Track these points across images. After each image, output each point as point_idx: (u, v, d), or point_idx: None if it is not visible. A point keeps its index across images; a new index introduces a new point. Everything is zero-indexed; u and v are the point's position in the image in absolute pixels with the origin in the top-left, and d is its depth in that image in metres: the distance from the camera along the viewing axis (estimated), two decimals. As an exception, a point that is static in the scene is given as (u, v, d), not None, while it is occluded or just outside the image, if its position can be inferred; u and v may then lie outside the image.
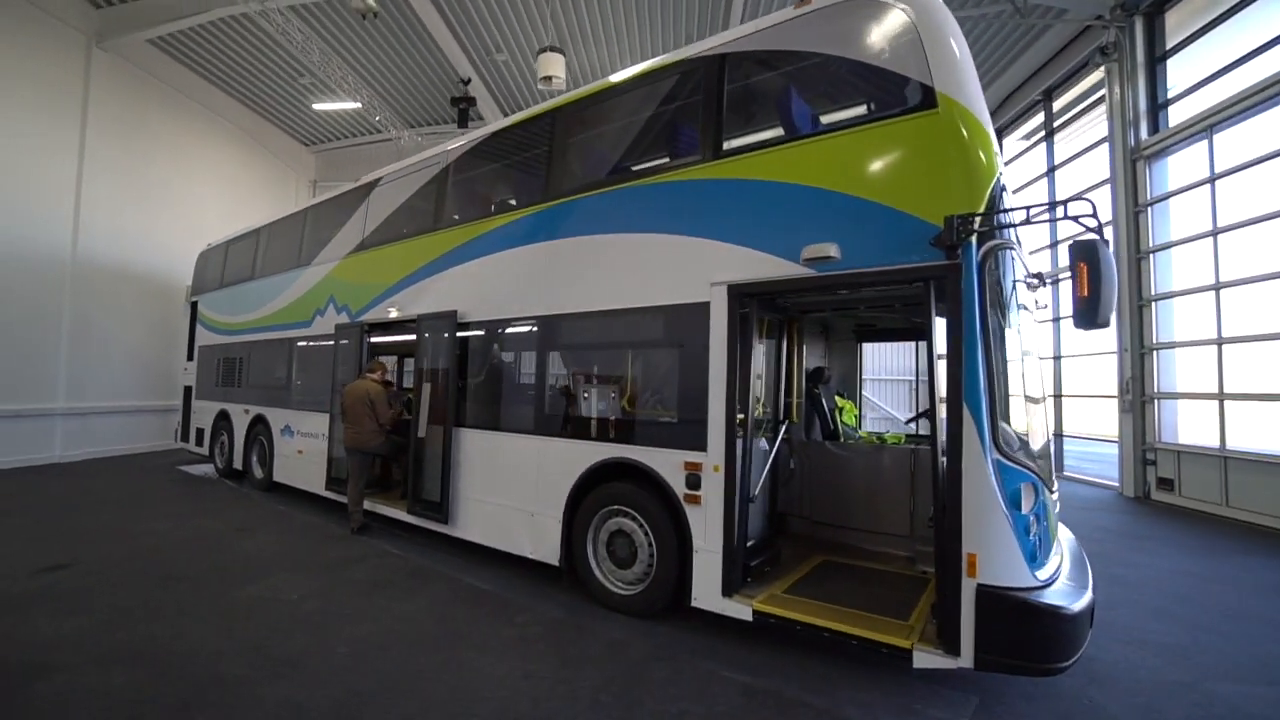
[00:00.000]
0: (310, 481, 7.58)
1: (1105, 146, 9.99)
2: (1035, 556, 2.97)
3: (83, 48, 11.31)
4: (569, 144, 5.32)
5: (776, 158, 3.87)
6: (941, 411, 3.13)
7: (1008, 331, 3.22)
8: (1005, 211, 3.22)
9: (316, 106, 15.07)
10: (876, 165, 3.46)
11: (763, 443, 4.43)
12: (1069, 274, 2.93)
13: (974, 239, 3.02)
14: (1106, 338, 9.49)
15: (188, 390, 10.93)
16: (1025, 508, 2.97)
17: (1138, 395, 9.33)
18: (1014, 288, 3.37)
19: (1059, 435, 11.62)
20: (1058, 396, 11.62)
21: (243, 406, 9.21)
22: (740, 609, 3.71)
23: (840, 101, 4.15)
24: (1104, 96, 10.02)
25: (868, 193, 3.43)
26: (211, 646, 3.60)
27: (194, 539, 5.98)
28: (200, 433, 10.34)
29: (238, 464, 9.19)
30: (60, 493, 8.27)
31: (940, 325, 3.21)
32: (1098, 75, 10.27)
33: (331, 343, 7.39)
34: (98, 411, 11.64)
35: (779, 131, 4.11)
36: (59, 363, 10.93)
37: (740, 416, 3.82)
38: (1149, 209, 9.33)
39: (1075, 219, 2.98)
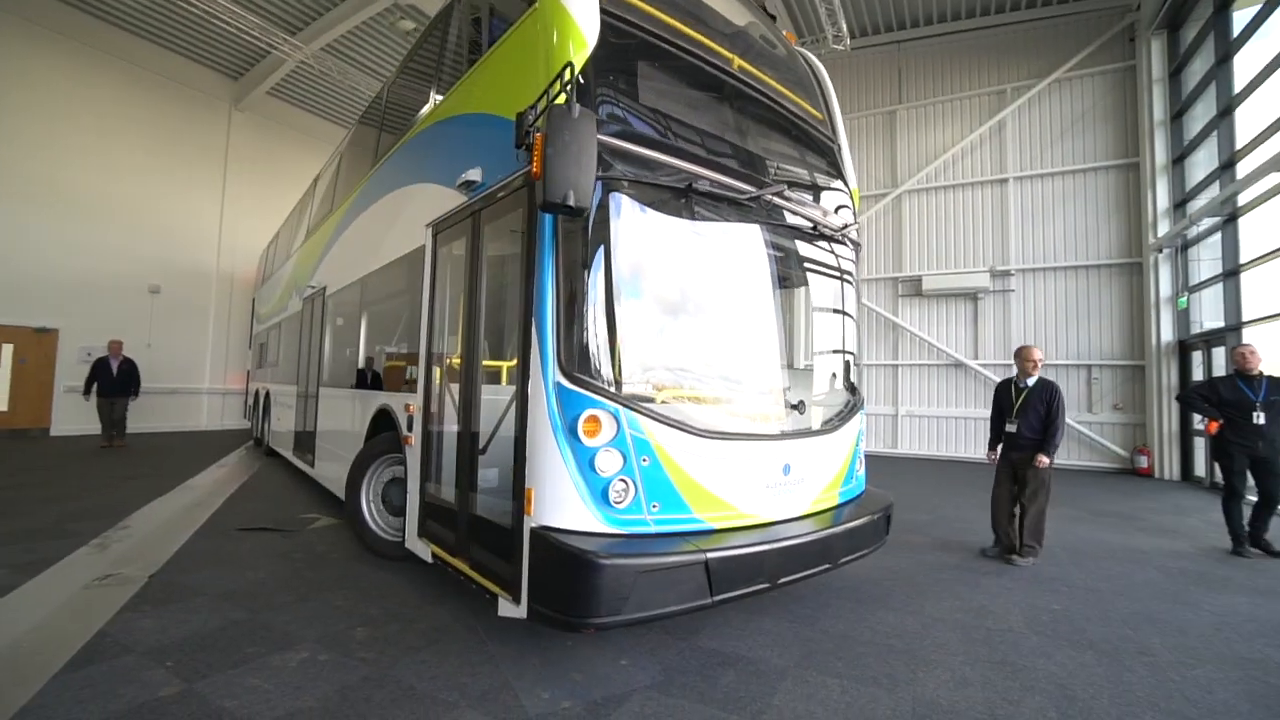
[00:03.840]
0: (285, 447, 8.14)
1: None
2: (608, 496, 2.58)
3: (225, 111, 14.24)
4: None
5: (460, 92, 3.90)
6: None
7: (615, 242, 2.75)
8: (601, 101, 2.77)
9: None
10: (506, 78, 3.30)
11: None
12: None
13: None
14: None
15: (248, 374, 12.62)
16: (592, 439, 2.58)
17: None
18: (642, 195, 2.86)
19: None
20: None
21: (260, 384, 10.27)
22: (424, 550, 3.62)
23: (499, 21, 3.73)
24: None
25: (498, 108, 3.24)
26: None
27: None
28: (249, 409, 11.71)
29: (259, 434, 10.25)
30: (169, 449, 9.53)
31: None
32: None
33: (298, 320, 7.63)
34: (234, 392, 14.06)
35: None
36: (206, 352, 13.83)
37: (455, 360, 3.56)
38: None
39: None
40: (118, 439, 10.04)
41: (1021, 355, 4.92)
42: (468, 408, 3.30)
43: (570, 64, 2.58)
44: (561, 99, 2.51)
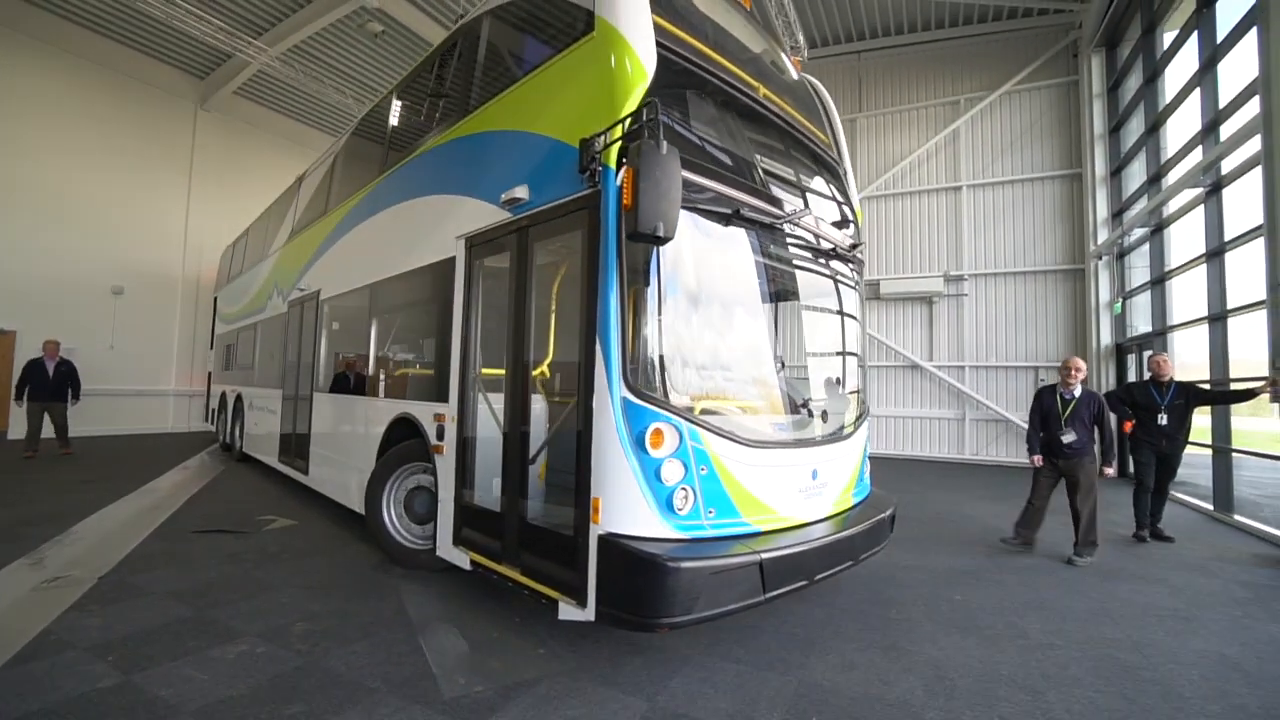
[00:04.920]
0: (267, 453, 7.99)
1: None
2: (673, 504, 2.75)
3: (191, 111, 14.14)
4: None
5: (497, 108, 3.94)
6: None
7: (670, 264, 2.92)
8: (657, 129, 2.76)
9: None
10: (556, 100, 3.41)
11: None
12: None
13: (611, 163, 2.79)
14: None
15: (210, 375, 12.33)
16: (658, 450, 2.74)
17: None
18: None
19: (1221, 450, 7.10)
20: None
21: (228, 387, 10.15)
22: (461, 557, 3.70)
23: (544, 43, 3.87)
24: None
25: (549, 129, 3.37)
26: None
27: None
28: (213, 412, 11.44)
29: (228, 438, 10.12)
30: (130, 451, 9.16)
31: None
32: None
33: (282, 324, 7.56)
34: (200, 394, 13.81)
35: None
36: (172, 354, 13.79)
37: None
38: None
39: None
40: (63, 445, 9.40)
41: (1069, 366, 5.19)
42: (515, 418, 3.40)
43: (654, 102, 2.71)
44: (645, 134, 2.68)
